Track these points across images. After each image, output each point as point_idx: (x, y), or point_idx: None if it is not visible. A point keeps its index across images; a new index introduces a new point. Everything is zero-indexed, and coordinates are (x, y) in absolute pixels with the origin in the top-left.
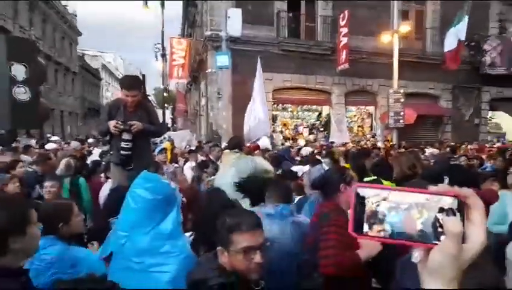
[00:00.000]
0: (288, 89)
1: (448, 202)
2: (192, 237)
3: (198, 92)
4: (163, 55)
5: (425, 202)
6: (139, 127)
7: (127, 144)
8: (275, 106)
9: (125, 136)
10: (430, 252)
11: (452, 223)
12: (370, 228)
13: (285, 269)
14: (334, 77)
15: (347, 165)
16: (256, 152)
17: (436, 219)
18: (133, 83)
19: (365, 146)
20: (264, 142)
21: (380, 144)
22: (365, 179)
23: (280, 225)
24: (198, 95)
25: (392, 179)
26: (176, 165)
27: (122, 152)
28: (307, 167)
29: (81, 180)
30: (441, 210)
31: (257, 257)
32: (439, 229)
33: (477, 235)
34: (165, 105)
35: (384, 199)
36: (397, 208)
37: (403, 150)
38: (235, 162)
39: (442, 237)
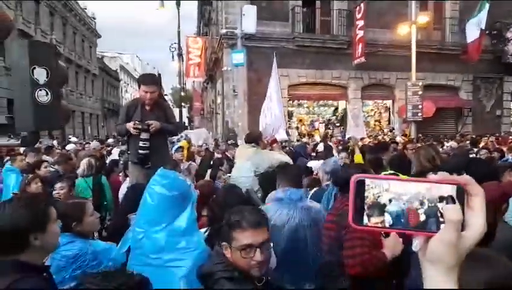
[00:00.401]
0: (304, 84)
1: (448, 190)
2: (207, 232)
3: (214, 90)
4: (180, 55)
5: (425, 191)
6: (157, 126)
7: (145, 143)
8: (291, 102)
9: (143, 135)
10: (429, 241)
11: (451, 211)
12: (370, 218)
13: (296, 255)
14: (350, 71)
15: (358, 157)
16: (274, 145)
17: (437, 208)
18: (151, 78)
19: (383, 140)
20: (282, 135)
21: (398, 139)
22: (382, 173)
23: (289, 210)
24: (214, 94)
25: (410, 173)
26: (194, 163)
27: (140, 151)
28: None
29: (103, 179)
30: (441, 199)
31: (257, 255)
32: (441, 219)
33: (477, 222)
34: (182, 104)
35: (386, 190)
36: (398, 199)
37: (421, 143)
38: (251, 155)
39: (442, 226)
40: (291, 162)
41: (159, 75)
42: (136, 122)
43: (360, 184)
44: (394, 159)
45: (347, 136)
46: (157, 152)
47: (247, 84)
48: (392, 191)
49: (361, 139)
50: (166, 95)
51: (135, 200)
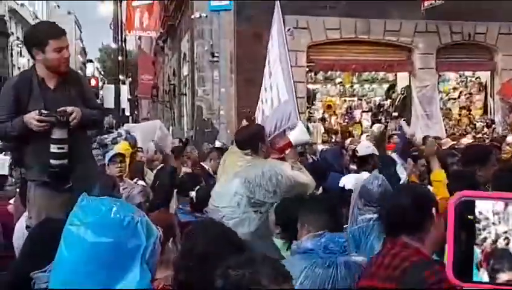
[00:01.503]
0: (336, 44)
1: None
2: None
3: (176, 54)
4: None
5: None
6: (78, 116)
7: (62, 148)
8: (312, 75)
9: (57, 134)
10: None
11: None
12: (491, 273)
13: None
14: (416, 21)
15: (438, 175)
16: (286, 152)
17: None
18: (58, 27)
19: (476, 143)
20: (300, 135)
21: (509, 139)
22: None
23: (324, 268)
24: (177, 60)
25: None
26: (142, 182)
27: (53, 161)
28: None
29: None
30: None
31: None
32: None
33: None
34: (120, 77)
35: None
36: None
37: None
38: (243, 168)
39: None
40: (313, 182)
41: (79, 27)
42: (42, 111)
43: (466, 210)
44: (502, 175)
45: (409, 134)
46: (79, 161)
47: (236, 44)
48: None
49: (437, 140)
50: (91, 61)
51: (44, 249)
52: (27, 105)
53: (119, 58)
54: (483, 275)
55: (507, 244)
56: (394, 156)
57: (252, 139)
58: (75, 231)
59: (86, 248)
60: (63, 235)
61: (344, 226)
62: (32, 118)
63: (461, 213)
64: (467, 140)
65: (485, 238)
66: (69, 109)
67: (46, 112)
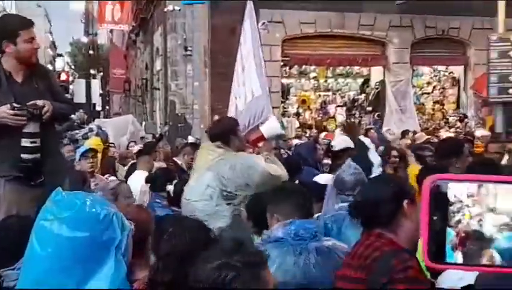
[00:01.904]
0: (310, 38)
1: None
2: None
3: (149, 47)
4: None
5: None
6: (50, 110)
7: (34, 142)
8: (286, 69)
9: (30, 127)
10: None
11: None
12: (461, 253)
13: None
14: (391, 15)
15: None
16: (260, 145)
17: None
18: (26, 18)
19: (450, 137)
20: (272, 128)
21: (478, 133)
22: None
23: (296, 255)
24: (149, 54)
25: None
26: (114, 178)
27: (25, 156)
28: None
29: None
30: None
31: None
32: None
33: None
34: (91, 72)
35: (492, 210)
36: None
37: None
38: (215, 162)
39: None
40: (286, 174)
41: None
42: (14, 105)
43: (439, 194)
44: (474, 167)
45: (385, 128)
46: (49, 156)
47: (211, 37)
48: (502, 211)
49: (411, 133)
50: (61, 55)
51: (15, 245)
52: None
53: (90, 52)
54: (458, 257)
55: (481, 226)
56: (365, 140)
57: (224, 132)
58: (48, 226)
59: (62, 243)
60: (34, 231)
61: (317, 215)
62: (4, 112)
63: (435, 196)
64: (446, 133)
65: (459, 221)
66: (40, 102)
67: (18, 105)
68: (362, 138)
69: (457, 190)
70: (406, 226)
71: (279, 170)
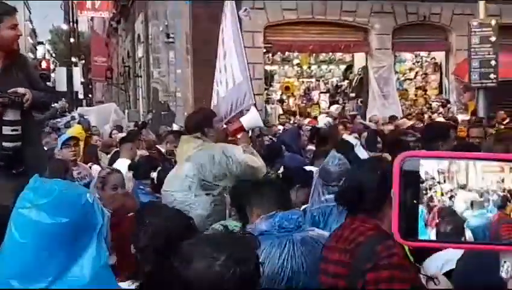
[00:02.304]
0: (293, 24)
1: None
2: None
3: (130, 34)
4: None
5: None
6: (30, 97)
7: (16, 129)
8: (269, 56)
9: (10, 115)
10: None
11: None
12: (437, 231)
13: None
14: (372, 1)
15: None
16: (239, 137)
17: None
18: (9, 5)
19: (434, 122)
20: (252, 120)
21: (460, 117)
22: None
23: (281, 247)
24: (131, 41)
25: None
26: (97, 167)
27: (5, 144)
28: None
29: None
30: None
31: None
32: None
33: None
34: (72, 59)
35: (463, 187)
36: (484, 201)
37: (497, 128)
38: (194, 153)
39: None
40: (263, 166)
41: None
42: None
43: (411, 171)
44: (457, 151)
45: (369, 115)
46: (29, 144)
47: (193, 24)
48: (472, 187)
49: (393, 118)
50: (41, 43)
51: None
52: None
53: (71, 40)
54: (430, 233)
55: (452, 202)
56: (349, 137)
57: (199, 124)
58: (26, 214)
59: (44, 231)
60: (12, 221)
61: (304, 206)
62: None
63: (406, 173)
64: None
65: (431, 197)
66: (21, 90)
67: None
68: (345, 136)
69: (428, 167)
70: (391, 214)
71: (258, 161)
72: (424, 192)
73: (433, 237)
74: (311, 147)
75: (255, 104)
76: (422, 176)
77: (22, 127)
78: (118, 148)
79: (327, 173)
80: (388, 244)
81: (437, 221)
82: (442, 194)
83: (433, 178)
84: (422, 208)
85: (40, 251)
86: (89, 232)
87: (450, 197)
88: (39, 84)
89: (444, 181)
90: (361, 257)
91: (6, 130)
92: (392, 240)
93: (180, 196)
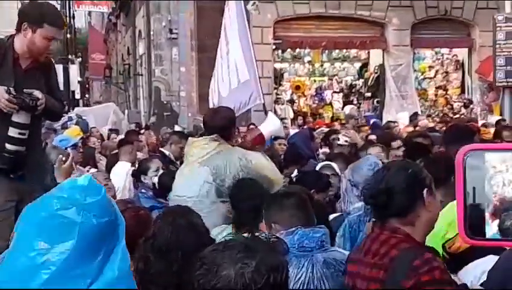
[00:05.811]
0: (304, 19)
1: None
2: None
3: (130, 30)
4: None
5: None
6: (43, 103)
7: (22, 133)
8: (279, 52)
9: (20, 117)
10: None
11: None
12: (501, 228)
13: None
14: None
15: None
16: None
17: None
18: (62, 19)
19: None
20: (273, 128)
21: (491, 119)
22: None
23: (299, 268)
24: (131, 37)
25: None
26: (95, 170)
27: (9, 147)
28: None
29: None
30: None
31: None
32: None
33: None
34: (69, 56)
35: None
36: None
37: None
38: (210, 156)
39: None
40: (279, 176)
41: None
42: (11, 90)
43: (475, 165)
44: None
45: (386, 116)
46: (32, 149)
47: (197, 19)
48: None
49: (414, 120)
50: None
51: None
52: None
53: (68, 36)
54: (494, 230)
55: None
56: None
57: (226, 125)
58: (69, 215)
59: (90, 231)
60: (37, 224)
61: (333, 215)
62: (0, 95)
63: (470, 167)
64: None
65: (495, 191)
66: (37, 93)
67: (14, 92)
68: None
69: (492, 159)
70: (425, 218)
71: (276, 176)
72: (488, 185)
73: (497, 235)
74: (325, 150)
75: (263, 104)
76: (489, 169)
77: (29, 132)
78: (117, 150)
79: (359, 176)
80: (426, 258)
81: (501, 217)
82: (505, 187)
83: (501, 171)
84: (488, 204)
85: (84, 251)
86: (118, 232)
87: None
88: (56, 93)
89: (507, 170)
90: (397, 273)
91: (14, 132)
92: (428, 251)
93: (196, 203)
